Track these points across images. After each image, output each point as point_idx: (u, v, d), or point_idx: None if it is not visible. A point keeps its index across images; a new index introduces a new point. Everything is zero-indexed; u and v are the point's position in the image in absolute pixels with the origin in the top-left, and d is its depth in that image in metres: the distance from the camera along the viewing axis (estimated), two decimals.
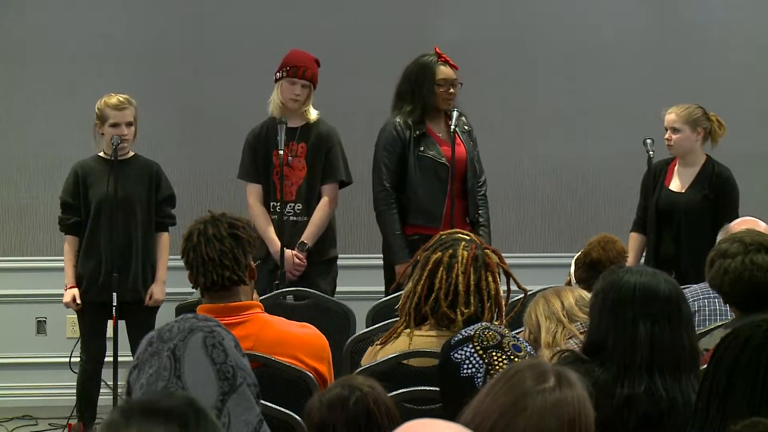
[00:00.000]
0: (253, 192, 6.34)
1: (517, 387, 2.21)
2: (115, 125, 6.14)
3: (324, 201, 6.30)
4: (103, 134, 6.14)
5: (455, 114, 6.10)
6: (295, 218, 6.27)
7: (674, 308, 3.24)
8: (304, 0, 7.48)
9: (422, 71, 6.11)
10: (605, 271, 3.45)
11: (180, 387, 2.60)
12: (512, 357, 2.86)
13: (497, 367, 2.84)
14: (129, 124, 6.17)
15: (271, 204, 6.28)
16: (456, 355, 2.88)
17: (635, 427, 3.14)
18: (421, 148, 6.06)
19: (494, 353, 2.86)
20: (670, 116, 6.31)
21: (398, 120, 6.09)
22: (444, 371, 2.98)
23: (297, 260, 6.17)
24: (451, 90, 6.13)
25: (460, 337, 2.93)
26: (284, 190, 6.22)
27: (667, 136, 6.32)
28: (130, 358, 2.97)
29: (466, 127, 6.24)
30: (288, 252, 6.15)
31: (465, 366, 2.84)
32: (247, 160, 6.37)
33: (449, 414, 2.48)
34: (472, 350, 2.87)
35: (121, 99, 6.18)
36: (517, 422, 2.18)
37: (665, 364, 3.18)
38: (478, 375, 2.83)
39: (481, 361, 2.85)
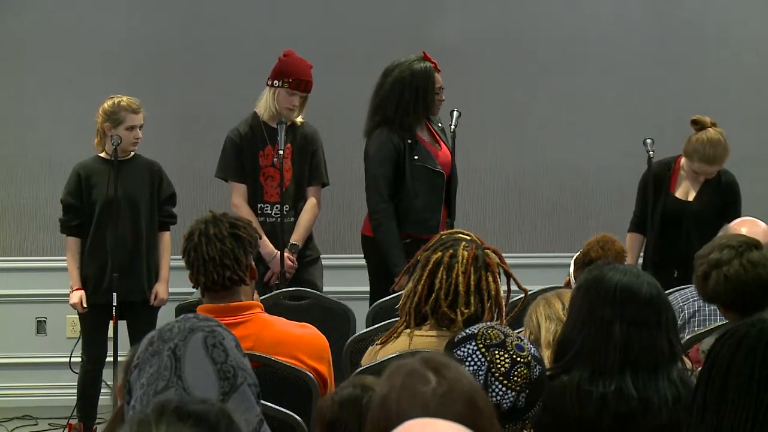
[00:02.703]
0: (239, 192, 6.31)
1: (416, 396, 2.22)
2: (131, 128, 6.15)
3: (312, 203, 6.33)
4: (112, 136, 6.10)
5: (455, 114, 6.11)
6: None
7: (654, 311, 3.23)
8: (304, 0, 7.48)
9: (425, 79, 5.97)
10: (590, 266, 3.45)
11: (180, 387, 2.59)
12: (515, 356, 2.86)
13: (499, 366, 2.84)
14: (141, 126, 6.19)
15: (258, 206, 6.29)
16: (459, 352, 2.88)
17: (609, 427, 3.15)
18: (416, 157, 5.99)
19: (497, 351, 2.86)
20: (711, 169, 6.16)
21: (390, 130, 5.98)
22: None
23: (290, 262, 6.18)
24: (443, 97, 6.11)
25: (464, 335, 2.93)
26: (272, 192, 6.24)
27: (702, 179, 6.22)
28: None
29: (440, 124, 6.23)
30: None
31: (467, 363, 2.84)
32: (231, 159, 6.31)
33: None
34: (475, 347, 2.87)
35: (133, 101, 6.19)
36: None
37: (639, 365, 3.18)
38: (480, 373, 2.83)
39: (483, 359, 2.85)
